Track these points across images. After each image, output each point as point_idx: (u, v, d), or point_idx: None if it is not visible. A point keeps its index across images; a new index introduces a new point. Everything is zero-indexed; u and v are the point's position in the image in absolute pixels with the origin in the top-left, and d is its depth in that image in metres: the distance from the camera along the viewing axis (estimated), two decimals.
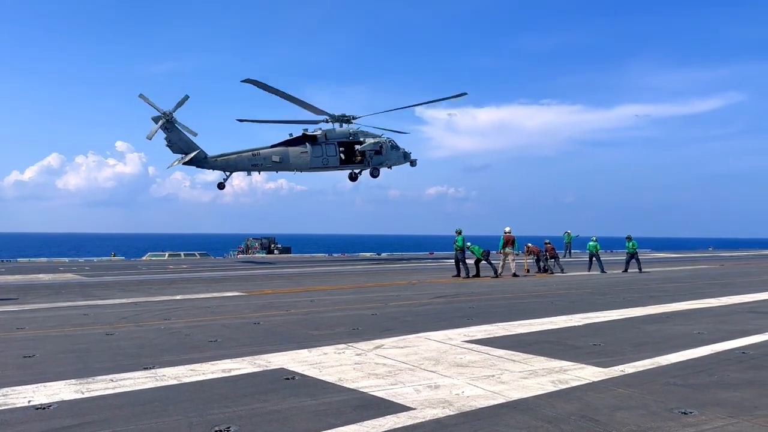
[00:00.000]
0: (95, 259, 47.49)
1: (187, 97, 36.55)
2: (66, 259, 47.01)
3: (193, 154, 37.08)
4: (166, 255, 50.70)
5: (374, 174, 41.35)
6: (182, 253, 52.10)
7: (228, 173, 38.69)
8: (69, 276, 27.10)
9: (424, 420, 5.87)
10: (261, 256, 57.29)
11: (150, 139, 36.75)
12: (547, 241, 29.25)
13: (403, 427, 5.70)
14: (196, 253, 53.94)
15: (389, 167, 42.20)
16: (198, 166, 38.27)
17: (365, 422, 5.82)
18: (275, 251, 63.00)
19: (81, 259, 46.77)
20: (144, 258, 49.34)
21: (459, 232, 25.37)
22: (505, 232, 26.80)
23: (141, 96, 36.71)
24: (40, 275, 27.31)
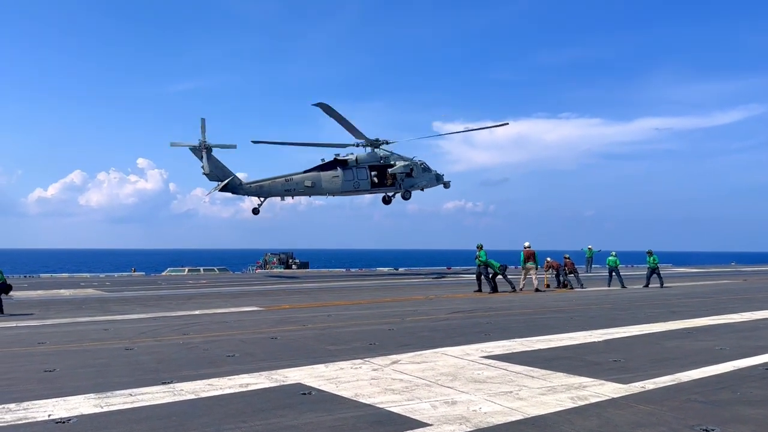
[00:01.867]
0: (116, 274, 47.98)
1: (203, 120, 38.17)
2: (87, 275, 47.55)
3: (227, 181, 38.33)
4: (186, 270, 51.08)
5: (406, 196, 41.93)
6: (201, 269, 52.45)
7: (262, 199, 39.59)
8: (89, 291, 27.41)
9: None
10: (279, 271, 57.49)
11: (207, 172, 37.95)
12: (567, 255, 28.99)
13: None
14: (215, 268, 54.29)
15: (422, 189, 42.62)
16: (233, 192, 39.56)
17: None
18: (293, 266, 63.16)
19: (102, 275, 47.27)
20: (164, 273, 49.78)
21: (480, 247, 25.30)
22: (525, 248, 26.66)
23: (173, 144, 38.79)
24: (62, 290, 27.65)
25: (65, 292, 26.58)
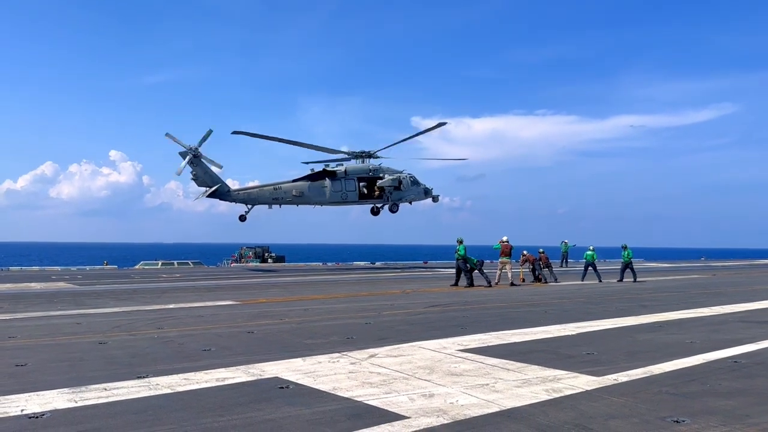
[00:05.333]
0: (88, 267, 47.25)
1: (210, 132, 38.06)
2: (58, 268, 46.73)
3: (215, 188, 38.60)
4: (159, 264, 50.56)
5: (393, 209, 42.48)
6: (175, 262, 51.96)
7: (249, 206, 39.73)
8: (61, 285, 26.96)
9: (418, 429, 5.87)
10: (255, 264, 57.17)
11: (179, 174, 38.37)
12: (542, 250, 29.35)
13: None
14: (189, 261, 53.81)
15: (410, 202, 43.24)
16: (221, 199, 40.02)
17: (360, 431, 5.83)
18: (269, 260, 62.89)
19: (74, 268, 46.48)
20: (137, 267, 49.14)
21: (460, 242, 25.44)
22: (502, 242, 26.88)
23: (167, 135, 38.44)
24: (32, 284, 27.17)
25: (36, 286, 26.12)
